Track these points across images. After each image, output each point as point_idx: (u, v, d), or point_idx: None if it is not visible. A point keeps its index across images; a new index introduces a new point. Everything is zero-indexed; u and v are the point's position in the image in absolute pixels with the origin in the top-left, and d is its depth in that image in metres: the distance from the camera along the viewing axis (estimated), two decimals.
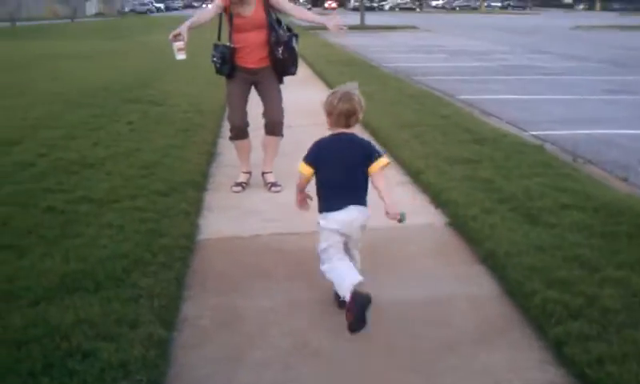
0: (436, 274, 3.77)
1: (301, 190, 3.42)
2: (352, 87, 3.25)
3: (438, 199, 4.98)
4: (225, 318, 3.27)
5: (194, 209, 4.83)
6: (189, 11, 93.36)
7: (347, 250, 3.30)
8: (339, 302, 3.22)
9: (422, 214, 4.81)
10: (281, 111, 5.36)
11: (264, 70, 5.21)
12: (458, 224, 4.46)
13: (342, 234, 3.21)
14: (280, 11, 5.21)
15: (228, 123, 5.55)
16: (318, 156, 3.25)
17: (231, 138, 5.52)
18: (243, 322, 3.22)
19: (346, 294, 2.99)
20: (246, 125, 5.42)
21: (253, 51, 5.14)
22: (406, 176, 5.78)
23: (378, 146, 3.58)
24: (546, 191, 4.99)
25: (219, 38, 5.31)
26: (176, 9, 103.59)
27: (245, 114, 5.41)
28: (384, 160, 3.23)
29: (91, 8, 79.20)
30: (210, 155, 6.59)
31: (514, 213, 4.54)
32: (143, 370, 2.68)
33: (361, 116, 3.25)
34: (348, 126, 3.22)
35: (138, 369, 2.68)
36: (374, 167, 3.18)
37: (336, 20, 5.12)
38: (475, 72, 14.89)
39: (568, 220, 4.35)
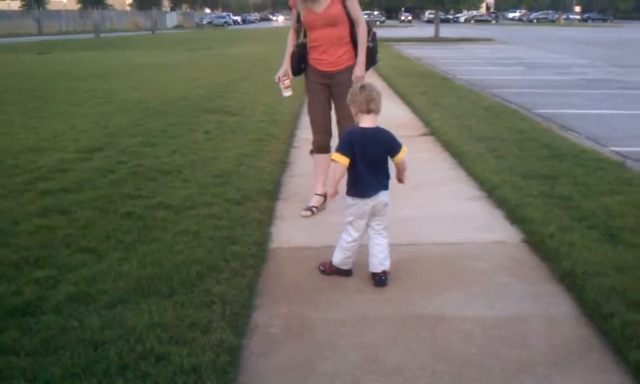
0: (510, 292, 3.67)
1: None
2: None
3: (513, 215, 4.86)
4: (295, 328, 3.27)
5: (266, 217, 4.87)
6: (264, 24, 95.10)
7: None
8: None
9: (497, 230, 4.70)
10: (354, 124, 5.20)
11: (340, 74, 4.92)
12: (535, 241, 4.33)
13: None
14: (350, 16, 4.85)
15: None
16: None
17: (312, 151, 5.23)
18: (313, 333, 3.22)
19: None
20: (329, 135, 5.10)
21: (328, 49, 4.88)
22: (480, 191, 5.66)
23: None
24: (627, 210, 4.80)
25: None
26: (252, 22, 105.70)
27: (327, 121, 5.11)
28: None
29: (171, 20, 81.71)
30: (283, 164, 6.66)
31: (594, 231, 4.39)
32: (214, 376, 2.71)
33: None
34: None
35: (208, 374, 2.71)
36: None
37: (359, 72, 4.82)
38: (553, 85, 14.52)
39: None
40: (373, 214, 3.71)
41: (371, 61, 4.99)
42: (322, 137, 5.11)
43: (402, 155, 3.74)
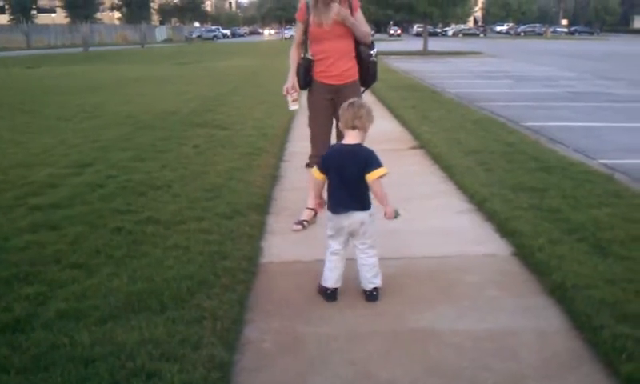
0: (500, 305, 3.68)
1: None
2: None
3: (503, 228, 4.88)
4: (286, 343, 3.27)
5: (257, 232, 4.87)
6: (254, 37, 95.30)
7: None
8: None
9: (487, 243, 4.72)
10: None
11: (345, 88, 4.91)
12: (524, 254, 4.35)
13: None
14: (355, 23, 4.88)
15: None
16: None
17: (308, 165, 5.11)
18: (304, 348, 3.22)
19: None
20: None
21: (336, 62, 4.92)
22: (469, 204, 5.69)
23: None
24: (616, 222, 4.83)
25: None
26: (242, 35, 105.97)
27: (328, 138, 5.07)
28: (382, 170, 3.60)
29: (160, 34, 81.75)
30: (273, 179, 6.65)
31: (583, 244, 4.41)
32: None
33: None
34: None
35: None
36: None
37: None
38: (541, 98, 14.61)
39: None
40: (351, 233, 3.69)
41: (372, 78, 5.10)
42: (321, 152, 5.02)
43: (375, 174, 3.56)
